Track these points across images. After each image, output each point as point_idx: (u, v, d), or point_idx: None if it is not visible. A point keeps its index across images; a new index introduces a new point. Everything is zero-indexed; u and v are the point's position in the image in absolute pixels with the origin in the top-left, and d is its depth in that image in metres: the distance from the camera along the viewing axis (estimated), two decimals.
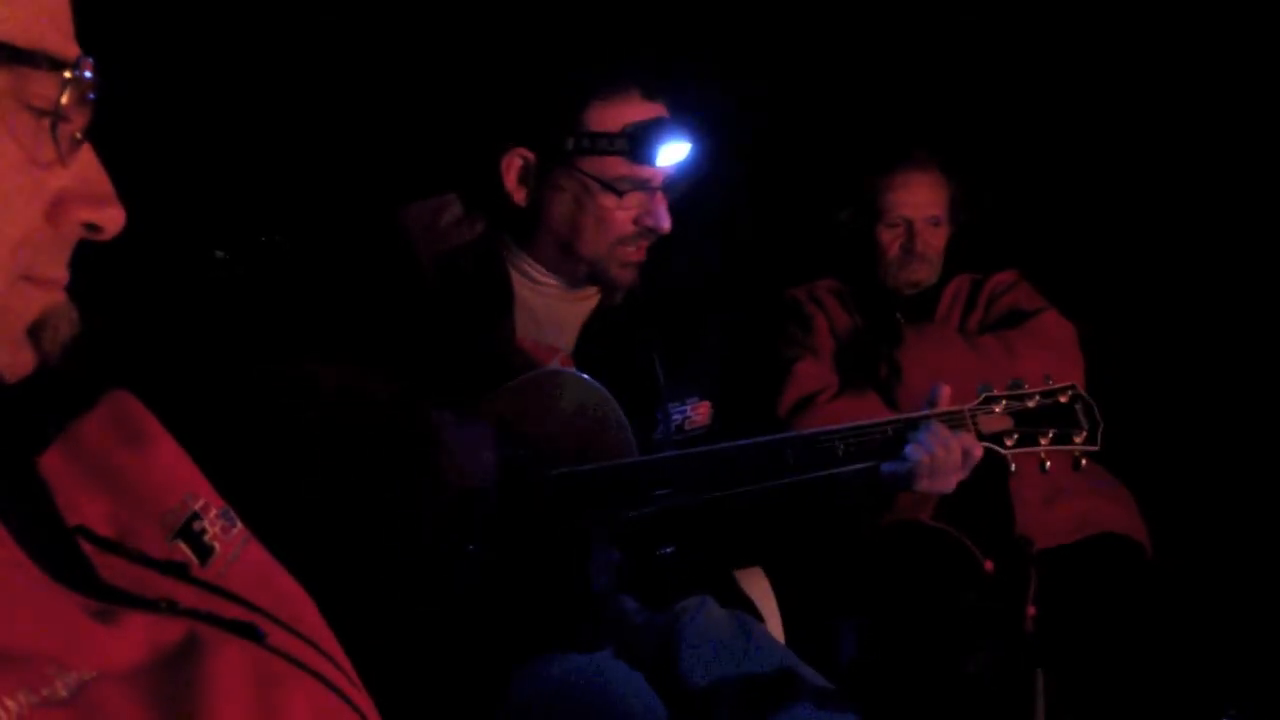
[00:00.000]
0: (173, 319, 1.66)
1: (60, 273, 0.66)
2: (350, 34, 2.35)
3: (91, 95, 0.64)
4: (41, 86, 0.62)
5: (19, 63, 0.61)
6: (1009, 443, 1.66)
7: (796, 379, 2.29)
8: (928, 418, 1.63)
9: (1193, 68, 2.58)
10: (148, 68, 1.95)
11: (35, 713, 0.55)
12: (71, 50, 0.64)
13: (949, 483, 1.61)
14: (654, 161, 1.60)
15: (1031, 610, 2.10)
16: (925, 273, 2.41)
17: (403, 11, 2.38)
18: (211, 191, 2.19)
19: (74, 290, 0.67)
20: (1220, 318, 2.59)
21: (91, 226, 0.66)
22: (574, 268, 1.67)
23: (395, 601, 1.39)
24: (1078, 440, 1.69)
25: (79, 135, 0.64)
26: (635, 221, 1.63)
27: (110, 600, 0.64)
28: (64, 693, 0.57)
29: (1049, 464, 1.68)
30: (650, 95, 1.61)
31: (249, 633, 0.68)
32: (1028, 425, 1.67)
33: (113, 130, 0.69)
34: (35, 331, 0.66)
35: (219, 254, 1.87)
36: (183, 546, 0.71)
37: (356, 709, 0.72)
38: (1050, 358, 2.20)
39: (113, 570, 0.67)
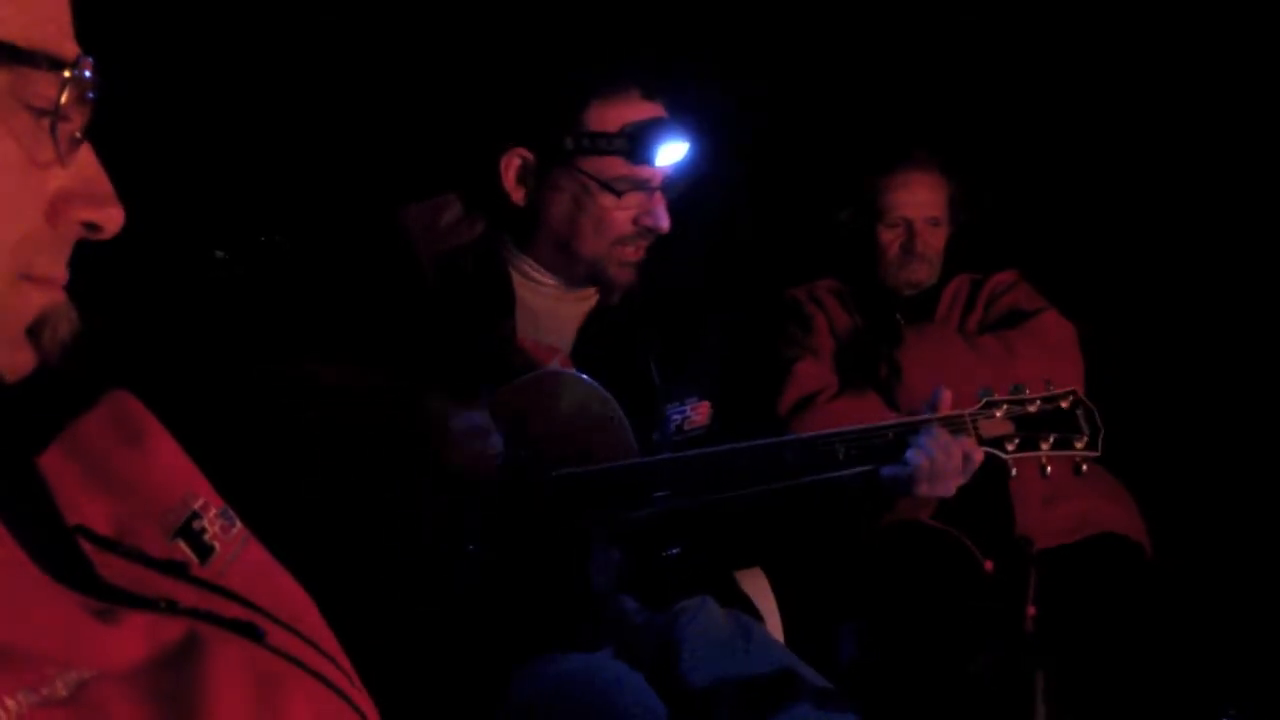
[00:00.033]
0: (173, 319, 1.66)
1: (60, 272, 0.66)
2: (350, 34, 2.35)
3: (91, 95, 0.64)
4: (41, 86, 0.62)
5: (19, 62, 0.61)
6: (1010, 447, 1.66)
7: (796, 379, 2.29)
8: (929, 422, 1.62)
9: (1193, 68, 2.58)
10: (148, 68, 1.95)
11: (35, 712, 0.55)
12: (71, 50, 0.64)
13: (949, 487, 1.61)
14: (653, 161, 1.60)
15: (1031, 610, 2.10)
16: (925, 273, 2.41)
17: (403, 12, 2.38)
18: (211, 191, 2.19)
19: (74, 290, 0.67)
20: (1220, 318, 2.59)
21: (91, 226, 0.66)
22: (572, 268, 1.67)
23: (395, 601, 1.39)
24: (1078, 446, 1.69)
25: (78, 135, 0.64)
26: (634, 221, 1.63)
27: (110, 599, 0.64)
28: (64, 692, 0.57)
29: (1049, 469, 1.68)
30: (649, 95, 1.62)
31: (249, 632, 0.68)
32: (1028, 430, 1.67)
33: (113, 130, 0.69)
34: (35, 331, 0.66)
35: (219, 254, 1.87)
36: (182, 546, 0.71)
37: (356, 709, 0.72)
38: (1050, 358, 2.20)
39: (112, 569, 0.67)
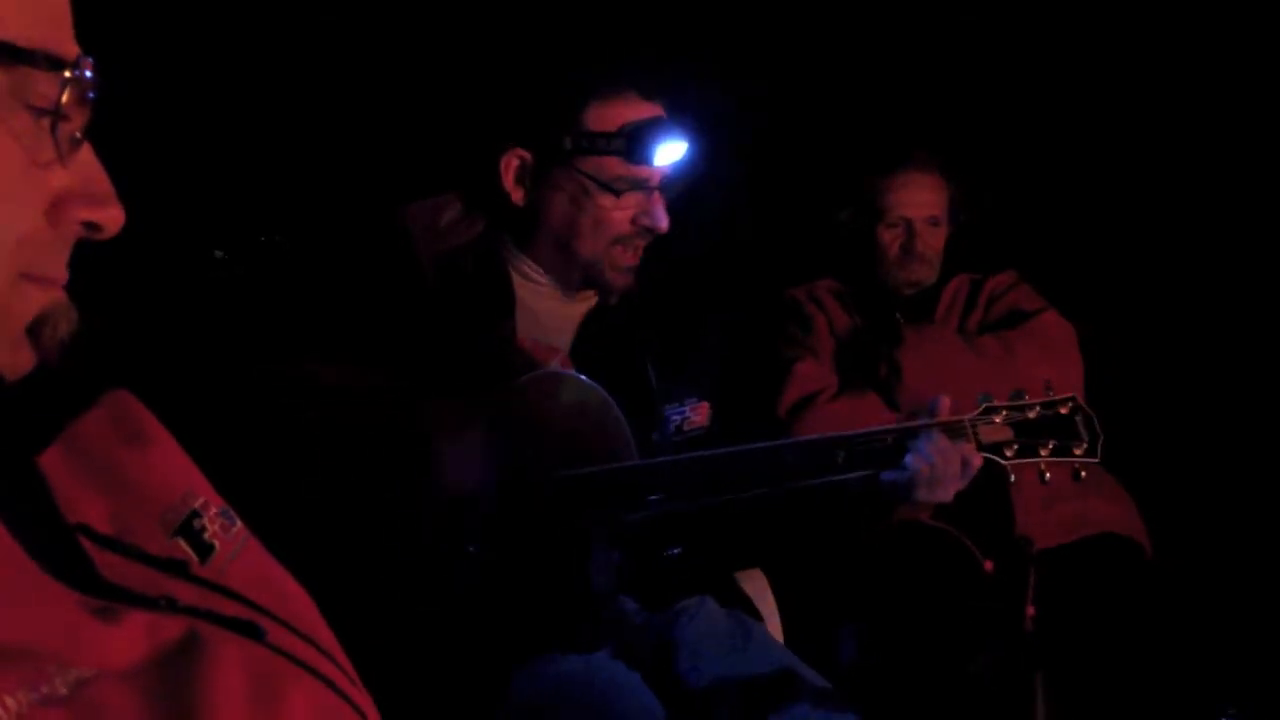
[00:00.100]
0: (173, 319, 1.66)
1: (60, 272, 0.66)
2: (350, 34, 2.35)
3: (91, 95, 0.64)
4: (41, 86, 0.62)
5: (19, 62, 0.61)
6: (1009, 453, 1.66)
7: (796, 379, 2.28)
8: (928, 427, 1.62)
9: (1193, 68, 2.58)
10: (148, 68, 1.95)
11: (35, 710, 0.55)
12: (71, 50, 0.64)
13: (947, 493, 1.61)
14: (651, 161, 1.60)
15: (1031, 610, 2.10)
16: (925, 273, 2.41)
17: (403, 12, 2.39)
18: (211, 191, 2.19)
19: (74, 290, 0.68)
20: (1220, 317, 2.59)
21: (91, 226, 0.66)
22: (570, 270, 1.67)
23: (395, 601, 1.39)
24: (1077, 452, 1.69)
25: (79, 135, 0.64)
26: (633, 221, 1.63)
27: (110, 598, 0.64)
28: (63, 690, 0.57)
29: (1048, 475, 1.68)
30: (648, 95, 1.62)
31: (249, 631, 0.68)
32: (1028, 436, 1.67)
33: (113, 130, 0.69)
34: (35, 331, 0.66)
35: (219, 254, 1.87)
36: (182, 544, 0.71)
37: (356, 708, 0.72)
38: (1049, 358, 2.20)
39: (113, 568, 0.67)
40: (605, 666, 1.46)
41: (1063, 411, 1.70)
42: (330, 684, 0.71)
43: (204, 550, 0.72)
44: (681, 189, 1.67)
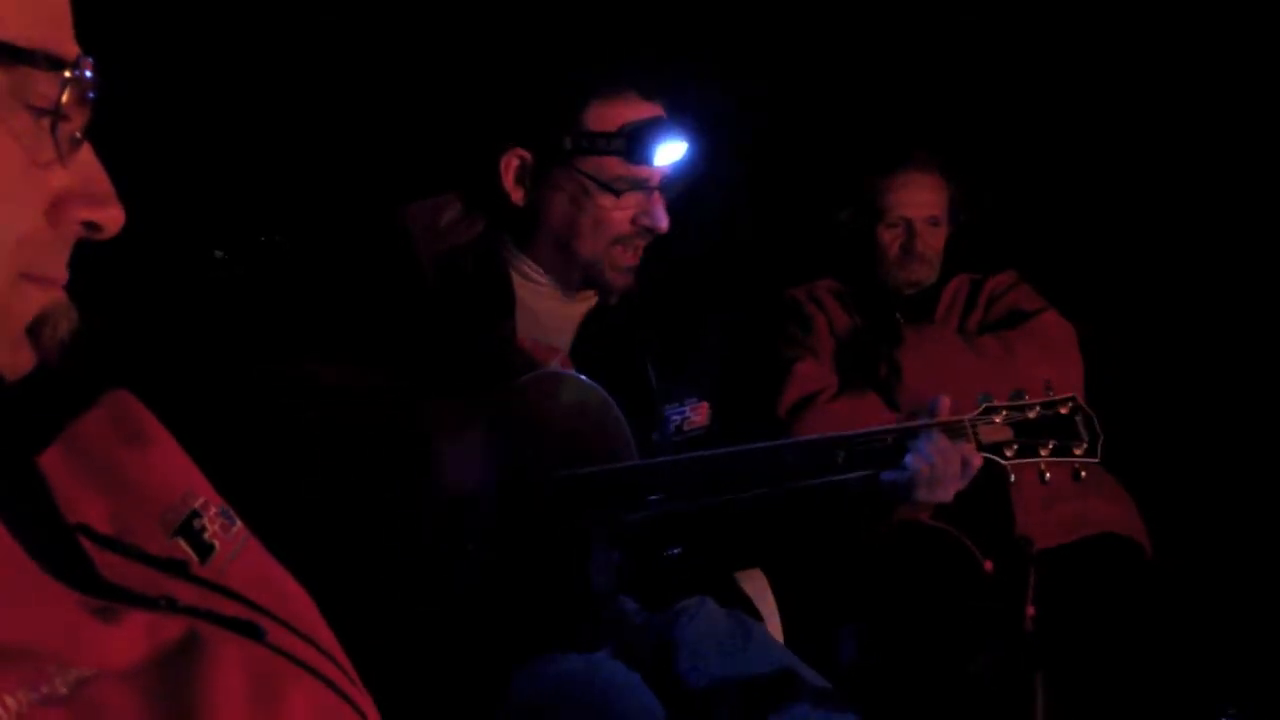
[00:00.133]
0: (173, 319, 1.66)
1: (60, 272, 0.66)
2: (350, 34, 2.36)
3: (91, 95, 0.65)
4: (41, 86, 0.62)
5: (19, 62, 0.61)
6: (1009, 453, 1.66)
7: (796, 379, 2.29)
8: (928, 427, 1.62)
9: (1193, 68, 2.58)
10: (148, 68, 1.95)
11: (34, 710, 0.55)
12: (71, 50, 0.64)
13: (947, 493, 1.61)
14: (651, 161, 1.60)
15: (1031, 610, 2.10)
16: (925, 273, 2.41)
17: (403, 12, 2.39)
18: (211, 191, 2.19)
19: (74, 290, 0.68)
20: (1219, 317, 2.59)
21: (91, 226, 0.66)
22: (570, 270, 1.67)
23: (395, 601, 1.39)
24: (1077, 452, 1.69)
25: (79, 135, 0.64)
26: (633, 221, 1.63)
27: (110, 598, 0.64)
28: (63, 690, 0.57)
29: (1048, 475, 1.68)
30: (648, 95, 1.62)
31: (249, 631, 0.68)
32: (1028, 436, 1.67)
33: (113, 130, 0.69)
34: (34, 330, 0.66)
35: (219, 254, 1.87)
36: (182, 544, 0.71)
37: (356, 708, 0.72)
38: (1049, 358, 2.20)
39: (113, 568, 0.67)
40: (605, 666, 1.46)
41: (1063, 411, 1.70)
42: (330, 684, 0.71)
43: (204, 550, 0.72)
44: (681, 189, 1.67)
